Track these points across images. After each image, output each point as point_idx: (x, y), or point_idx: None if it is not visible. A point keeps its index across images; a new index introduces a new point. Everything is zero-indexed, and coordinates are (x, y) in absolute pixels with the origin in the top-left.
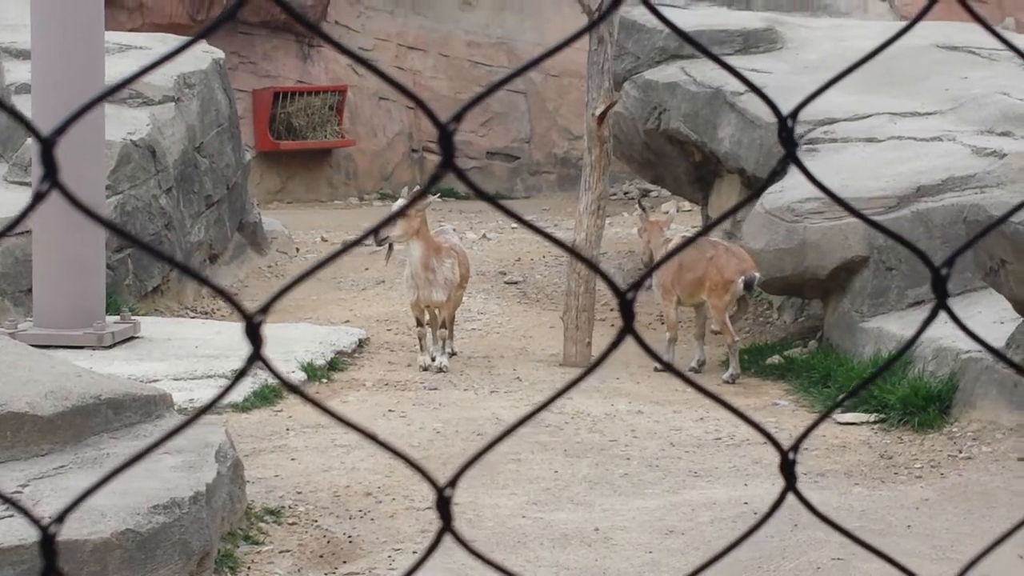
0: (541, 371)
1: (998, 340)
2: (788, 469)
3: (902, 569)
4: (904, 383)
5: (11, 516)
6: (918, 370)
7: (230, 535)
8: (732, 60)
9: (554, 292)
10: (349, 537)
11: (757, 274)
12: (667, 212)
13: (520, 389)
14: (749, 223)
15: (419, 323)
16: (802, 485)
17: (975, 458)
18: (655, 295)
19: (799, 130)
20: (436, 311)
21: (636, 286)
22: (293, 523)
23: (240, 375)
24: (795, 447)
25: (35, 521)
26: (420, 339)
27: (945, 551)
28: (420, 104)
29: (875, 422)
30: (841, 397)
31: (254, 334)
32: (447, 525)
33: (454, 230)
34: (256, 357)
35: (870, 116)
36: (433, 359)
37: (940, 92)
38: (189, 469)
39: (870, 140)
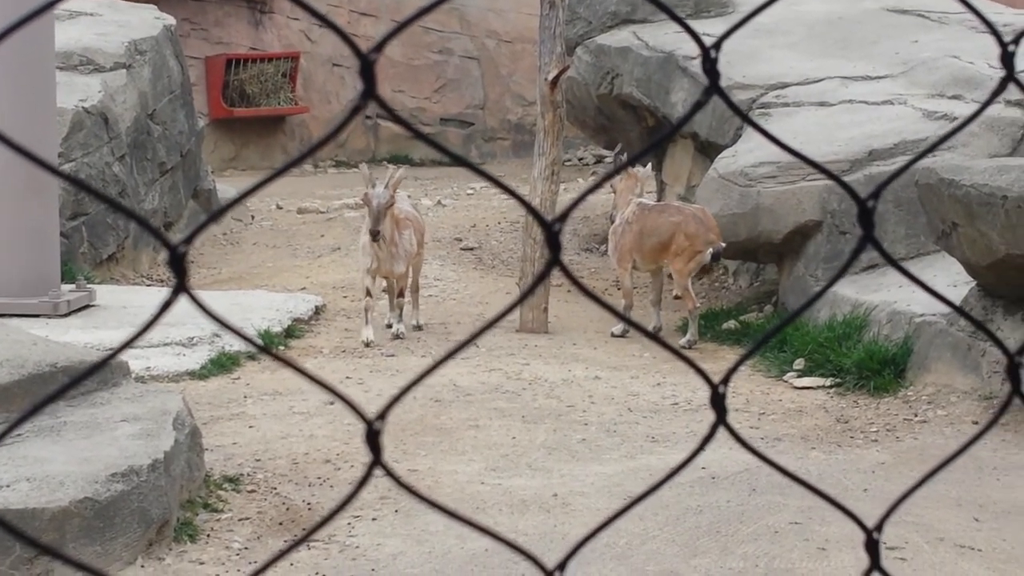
0: (499, 337)
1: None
2: (719, 403)
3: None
4: (859, 347)
5: None
6: (873, 334)
7: (189, 503)
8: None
9: (510, 258)
10: (308, 504)
11: (723, 245)
12: (646, 166)
13: (478, 355)
14: (703, 188)
15: (369, 293)
16: (760, 449)
17: (930, 422)
18: (610, 261)
19: (750, 94)
20: (394, 281)
21: (562, 218)
22: (252, 491)
23: (165, 307)
24: (725, 380)
25: None
26: (366, 311)
27: (901, 514)
28: (343, 35)
29: (831, 386)
30: (767, 332)
31: (178, 265)
32: (377, 458)
33: (408, 196)
34: (180, 288)
35: (822, 80)
36: (390, 326)
37: (891, 56)
38: (147, 437)
39: (822, 104)
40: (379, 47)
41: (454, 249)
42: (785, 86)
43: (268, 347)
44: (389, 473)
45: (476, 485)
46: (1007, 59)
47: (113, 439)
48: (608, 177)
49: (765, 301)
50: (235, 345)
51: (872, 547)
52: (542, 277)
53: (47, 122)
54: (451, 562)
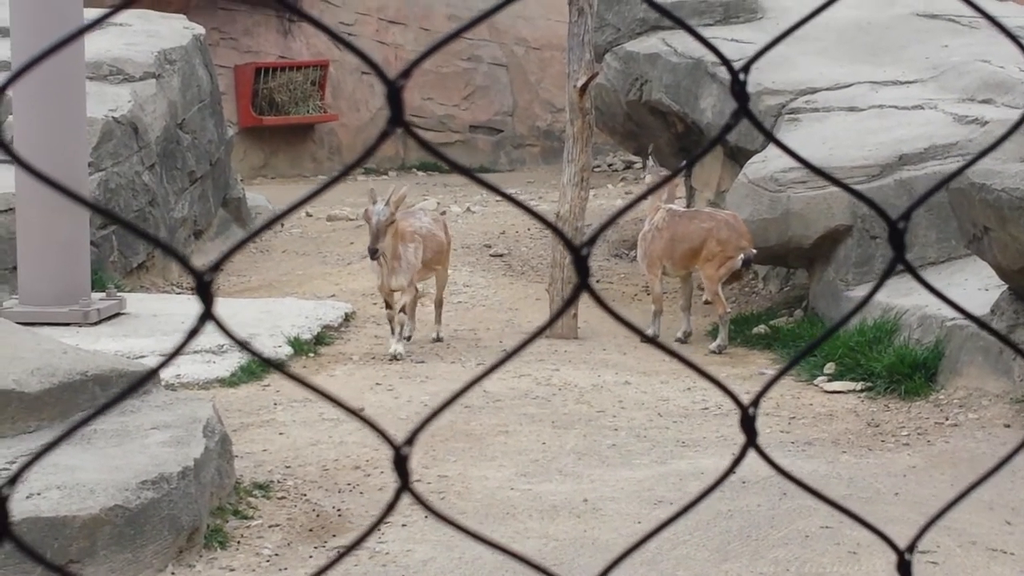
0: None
1: (983, 307)
2: (748, 424)
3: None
4: (890, 351)
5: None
6: (904, 338)
7: (219, 510)
8: (712, 30)
9: (539, 264)
10: (338, 511)
11: (755, 251)
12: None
13: (507, 361)
14: (732, 193)
15: (388, 306)
16: (790, 454)
17: (961, 425)
18: (640, 267)
19: (780, 100)
20: (396, 295)
21: (590, 242)
22: (282, 497)
23: (192, 334)
24: (755, 402)
25: None
26: (390, 322)
27: (935, 522)
28: (368, 61)
29: (862, 391)
30: (800, 352)
31: (205, 292)
32: (405, 483)
33: (438, 204)
34: (207, 316)
35: (851, 85)
36: (409, 338)
37: (921, 61)
38: (177, 444)
39: (852, 109)
40: (406, 73)
41: (483, 256)
42: (815, 91)
43: (296, 374)
44: (417, 498)
45: (506, 491)
46: None
47: (143, 447)
48: (640, 198)
49: (795, 306)
50: (264, 353)
51: (904, 569)
52: (570, 302)
53: (77, 132)
54: (481, 568)
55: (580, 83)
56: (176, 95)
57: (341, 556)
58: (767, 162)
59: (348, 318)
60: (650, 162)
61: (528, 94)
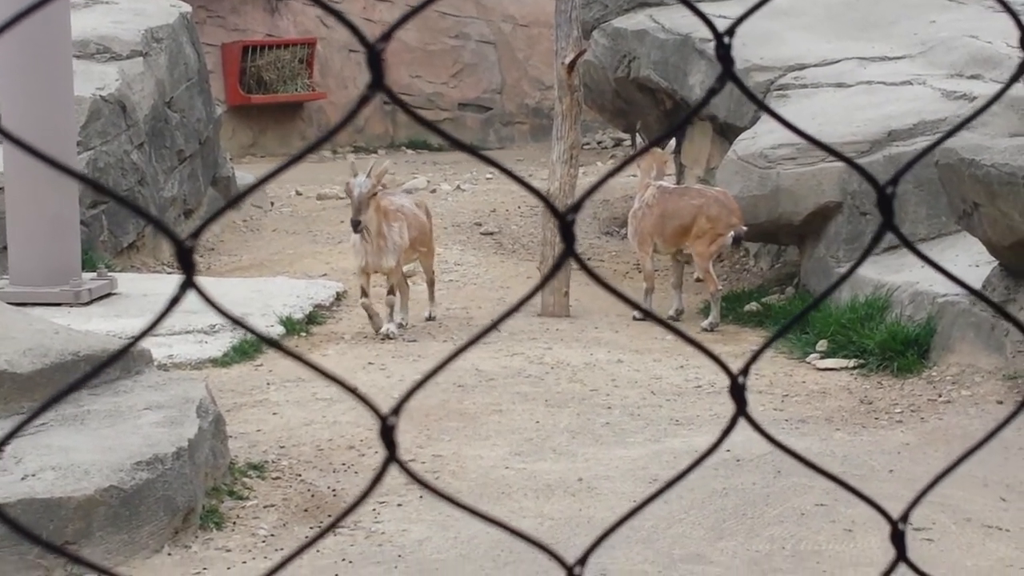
0: (520, 321)
1: (974, 283)
2: (738, 393)
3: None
4: (882, 328)
5: None
6: (896, 315)
7: (214, 490)
8: (702, 7)
9: (530, 242)
10: (333, 491)
11: (745, 228)
12: (669, 145)
13: (499, 340)
14: (722, 170)
15: (364, 293)
16: (783, 432)
17: (954, 402)
18: (631, 244)
19: (768, 76)
20: (387, 276)
21: (575, 208)
22: (277, 477)
23: (173, 302)
24: (744, 371)
25: None
26: (366, 309)
27: (928, 495)
28: (349, 25)
29: (854, 368)
30: (788, 322)
31: (186, 260)
32: (392, 454)
33: (428, 183)
34: (189, 283)
35: (840, 61)
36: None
37: (909, 36)
38: (171, 425)
39: (840, 85)
40: (386, 36)
41: (474, 234)
42: (803, 68)
43: (276, 342)
44: (404, 468)
45: (501, 470)
46: None
47: (137, 427)
48: (623, 165)
49: (787, 283)
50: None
51: (897, 538)
52: (556, 268)
53: (65, 111)
54: (477, 547)
55: (568, 60)
56: (164, 73)
57: (330, 526)
58: (756, 138)
59: (340, 297)
60: (639, 139)
61: (516, 71)
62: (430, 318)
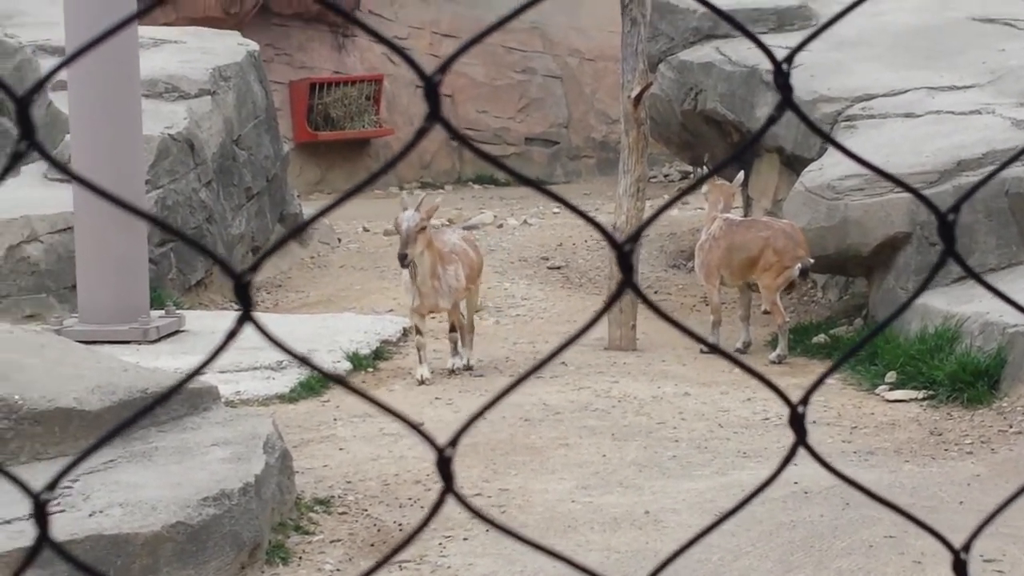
0: (587, 355)
1: None
2: (798, 423)
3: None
4: (952, 359)
5: (62, 511)
6: (965, 345)
7: (280, 526)
8: (767, 39)
9: (597, 276)
10: (399, 525)
11: (812, 260)
12: (737, 177)
13: (566, 374)
14: (790, 202)
15: (419, 331)
16: (852, 464)
17: None
18: (698, 277)
19: (836, 107)
20: (436, 316)
21: (633, 239)
22: (343, 513)
23: (230, 336)
24: (804, 400)
25: (27, 490)
26: (419, 350)
27: (998, 526)
28: (405, 57)
29: (924, 399)
30: (848, 351)
31: (243, 294)
32: (448, 486)
33: (495, 217)
34: (246, 317)
35: (908, 91)
36: (427, 372)
37: (978, 65)
38: (238, 461)
39: (908, 115)
40: (443, 68)
41: (541, 268)
42: (871, 98)
43: (334, 375)
44: (461, 501)
45: (567, 504)
46: None
47: (204, 463)
48: (679, 197)
49: (855, 315)
50: (322, 364)
51: (960, 568)
52: (615, 298)
53: (134, 150)
54: None
55: (634, 93)
56: (231, 111)
57: (386, 558)
58: (824, 170)
59: (406, 333)
60: (739, 176)
61: (583, 105)
62: (467, 367)
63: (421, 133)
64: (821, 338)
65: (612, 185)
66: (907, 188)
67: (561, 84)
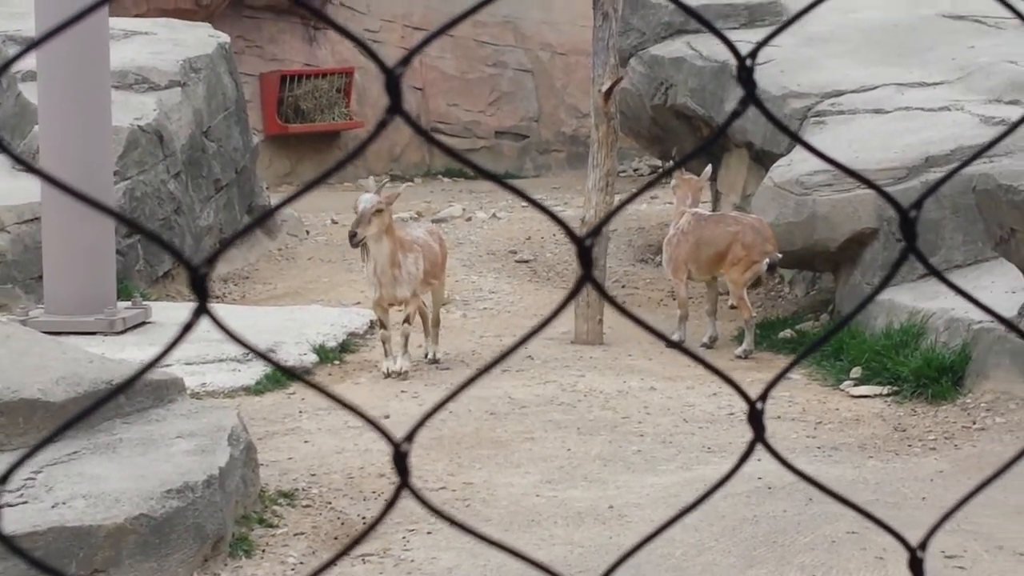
0: (553, 349)
1: (1010, 310)
2: (756, 420)
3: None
4: (917, 355)
5: (24, 503)
6: (930, 341)
7: (244, 518)
8: (737, 34)
9: (564, 270)
10: (363, 518)
11: (780, 255)
12: (705, 172)
13: (532, 367)
14: (758, 197)
15: (383, 325)
16: (816, 459)
17: (989, 429)
18: (665, 272)
19: (806, 103)
20: (400, 307)
21: (593, 233)
22: (307, 505)
23: (186, 329)
24: (763, 396)
25: None
26: (384, 343)
27: (959, 522)
28: (367, 51)
29: (888, 395)
30: (806, 348)
31: (200, 286)
32: (404, 480)
33: (463, 211)
34: (202, 310)
35: (877, 87)
36: (394, 360)
37: (947, 62)
38: (202, 453)
39: (878, 111)
40: (405, 61)
41: (509, 262)
42: (840, 94)
43: (294, 370)
44: (416, 496)
45: (532, 498)
46: None
47: (168, 455)
48: (643, 190)
49: (821, 310)
50: (290, 360)
51: (916, 566)
52: (574, 293)
53: (103, 141)
54: (507, 575)
55: (605, 88)
56: (201, 103)
57: (345, 550)
58: (792, 165)
59: (373, 325)
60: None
61: (554, 99)
62: (433, 360)
63: (381, 126)
64: (788, 333)
65: (582, 179)
66: (870, 185)
67: (532, 78)
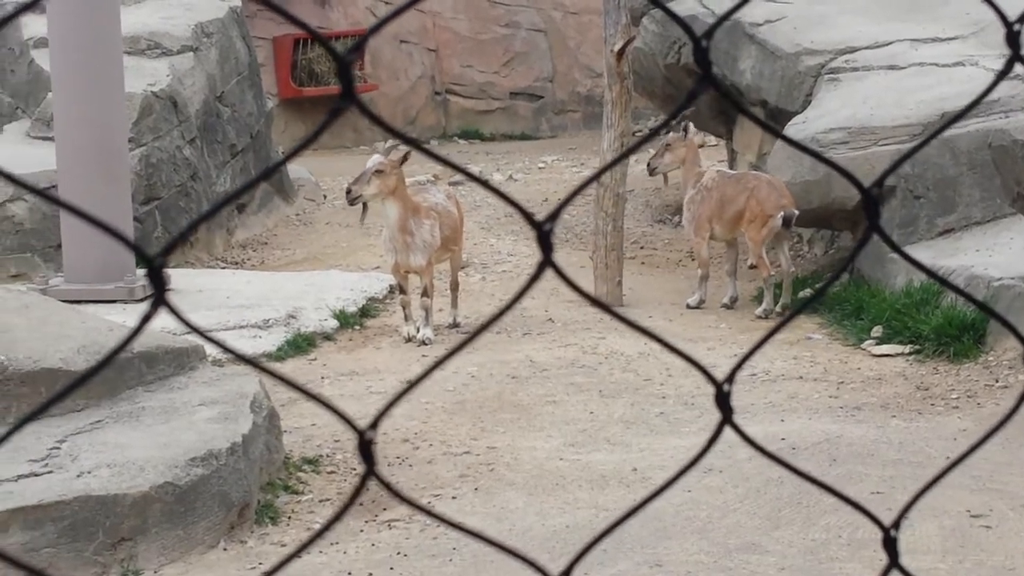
0: (573, 311)
1: None
2: (723, 401)
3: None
4: (937, 313)
5: (49, 472)
6: (951, 299)
7: (269, 485)
8: (730, 1)
9: (583, 232)
10: (389, 485)
11: (796, 211)
12: (691, 131)
13: (553, 330)
14: (774, 156)
15: (402, 290)
16: (839, 419)
17: (1012, 387)
18: (686, 231)
19: (819, 60)
20: (417, 276)
21: (552, 218)
22: (331, 472)
23: (145, 320)
24: (729, 379)
25: None
26: (404, 307)
27: (984, 481)
28: (318, 38)
29: (910, 354)
30: (779, 321)
31: (156, 277)
32: (370, 469)
33: (480, 172)
34: (160, 301)
35: (891, 43)
36: (417, 330)
37: (961, 17)
38: (225, 420)
39: (892, 68)
40: (356, 48)
41: (526, 224)
42: (854, 51)
43: (257, 361)
44: (383, 483)
45: (555, 461)
46: (1012, 39)
47: (191, 423)
48: (624, 156)
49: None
50: (310, 326)
51: (890, 545)
52: (534, 279)
53: (116, 107)
54: (532, 539)
55: (617, 47)
56: (214, 68)
57: (298, 551)
58: (808, 123)
59: (393, 290)
60: (691, 127)
61: (567, 59)
62: (454, 324)
63: (335, 113)
64: (807, 292)
65: (598, 139)
66: (828, 163)
67: (546, 38)
